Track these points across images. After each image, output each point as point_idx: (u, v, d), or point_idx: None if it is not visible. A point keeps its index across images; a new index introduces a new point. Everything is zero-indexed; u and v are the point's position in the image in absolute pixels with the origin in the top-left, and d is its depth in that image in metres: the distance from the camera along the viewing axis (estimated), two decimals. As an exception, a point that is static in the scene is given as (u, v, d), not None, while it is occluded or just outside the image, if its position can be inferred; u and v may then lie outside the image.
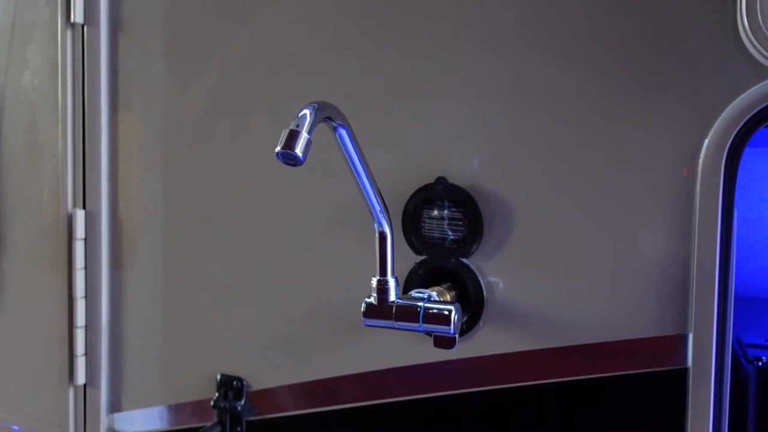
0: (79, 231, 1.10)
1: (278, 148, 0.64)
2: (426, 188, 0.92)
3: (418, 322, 0.81)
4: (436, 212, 0.92)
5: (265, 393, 1.04)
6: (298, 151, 0.64)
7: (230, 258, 1.05)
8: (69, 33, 1.09)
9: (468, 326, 0.92)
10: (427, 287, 0.91)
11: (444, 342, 0.82)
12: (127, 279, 1.11)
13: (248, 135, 1.03)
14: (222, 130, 1.04)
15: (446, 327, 0.80)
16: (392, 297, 0.82)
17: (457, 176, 0.91)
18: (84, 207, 1.10)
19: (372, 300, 0.83)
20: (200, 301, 1.07)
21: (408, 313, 0.81)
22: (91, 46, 1.08)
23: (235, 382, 1.05)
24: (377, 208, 0.80)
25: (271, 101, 1.01)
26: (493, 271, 0.91)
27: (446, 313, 0.81)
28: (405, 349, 0.95)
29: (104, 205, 1.10)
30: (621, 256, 0.86)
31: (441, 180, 0.91)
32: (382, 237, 0.81)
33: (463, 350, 0.92)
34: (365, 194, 0.79)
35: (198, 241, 1.07)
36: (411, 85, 0.93)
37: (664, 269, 0.84)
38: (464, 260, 0.92)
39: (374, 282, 0.83)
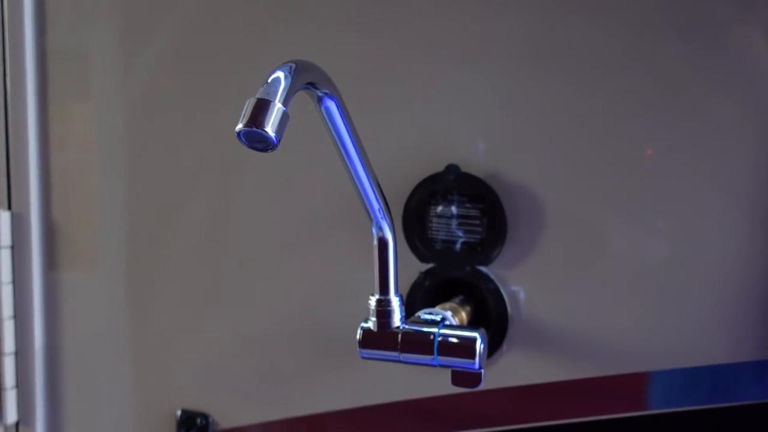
0: (4, 237, 0.98)
1: (240, 126, 0.46)
2: (433, 179, 0.77)
3: (432, 355, 0.64)
4: (446, 209, 0.77)
5: (236, 433, 0.91)
6: (269, 129, 0.46)
7: (192, 269, 0.92)
8: (-14, 0, 0.96)
9: (489, 351, 0.76)
10: (435, 302, 0.76)
11: (466, 379, 0.65)
12: (65, 295, 0.98)
13: (212, 120, 0.88)
14: (179, 114, 0.90)
15: (470, 361, 0.63)
16: (397, 321, 0.66)
17: (473, 164, 0.77)
18: (9, 208, 0.99)
19: (370, 325, 0.66)
20: (156, 321, 0.95)
21: (418, 343, 0.65)
22: (14, 18, 0.95)
23: (198, 420, 0.92)
24: (376, 206, 0.63)
25: (239, 76, 0.85)
26: (518, 281, 0.76)
27: (469, 342, 0.63)
28: (409, 379, 0.80)
29: (34, 205, 0.98)
30: (684, 265, 0.71)
31: (452, 168, 0.76)
32: (383, 244, 0.65)
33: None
34: (360, 188, 0.62)
35: (152, 248, 0.94)
36: (412, 52, 0.78)
37: (741, 282, 0.69)
38: (482, 268, 0.77)
39: (373, 302, 0.66)
